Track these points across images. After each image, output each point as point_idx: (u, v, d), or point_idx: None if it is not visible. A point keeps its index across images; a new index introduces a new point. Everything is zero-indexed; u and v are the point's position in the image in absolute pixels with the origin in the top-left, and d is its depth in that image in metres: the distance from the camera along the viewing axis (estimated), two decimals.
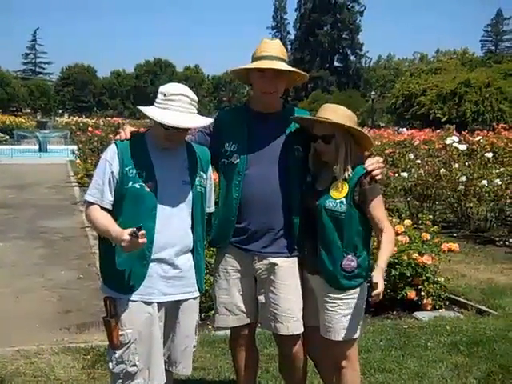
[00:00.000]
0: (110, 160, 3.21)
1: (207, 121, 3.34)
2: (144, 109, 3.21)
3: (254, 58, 3.55)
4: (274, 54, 3.52)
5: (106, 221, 3.13)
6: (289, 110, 3.74)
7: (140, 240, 2.91)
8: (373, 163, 3.48)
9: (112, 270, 3.16)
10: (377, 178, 3.46)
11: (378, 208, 3.47)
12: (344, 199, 3.42)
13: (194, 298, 3.39)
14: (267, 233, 3.57)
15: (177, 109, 3.14)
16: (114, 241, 3.05)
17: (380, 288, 3.23)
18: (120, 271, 3.15)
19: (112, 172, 3.18)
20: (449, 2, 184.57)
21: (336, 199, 3.43)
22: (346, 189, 3.43)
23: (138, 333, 3.17)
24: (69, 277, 7.87)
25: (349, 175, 3.43)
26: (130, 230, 2.91)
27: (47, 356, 5.11)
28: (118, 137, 3.34)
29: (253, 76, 3.60)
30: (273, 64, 3.46)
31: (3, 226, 11.17)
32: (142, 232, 2.91)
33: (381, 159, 3.60)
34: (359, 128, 3.54)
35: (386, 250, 3.45)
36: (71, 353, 5.17)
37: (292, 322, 3.57)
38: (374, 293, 3.21)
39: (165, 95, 3.18)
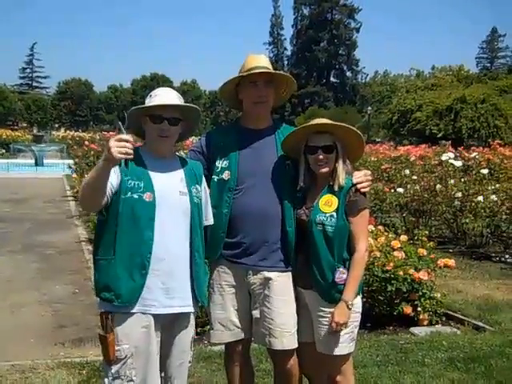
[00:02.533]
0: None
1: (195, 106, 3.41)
2: (132, 108, 3.31)
3: (244, 72, 3.62)
4: (262, 64, 3.62)
5: (96, 166, 3.02)
6: (278, 125, 3.80)
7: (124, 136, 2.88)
8: (360, 176, 3.52)
9: (109, 283, 3.13)
10: (363, 190, 3.48)
11: (357, 224, 3.49)
12: (334, 213, 3.45)
13: (192, 313, 3.38)
14: (261, 247, 3.58)
15: (162, 96, 3.29)
16: (107, 160, 2.89)
17: (336, 319, 3.40)
18: (117, 283, 3.13)
19: (115, 173, 3.13)
20: (445, 19, 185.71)
21: (326, 213, 3.46)
22: (335, 202, 3.46)
23: (134, 347, 3.15)
24: (64, 291, 7.84)
25: (343, 185, 3.46)
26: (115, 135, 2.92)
27: (42, 371, 5.08)
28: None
29: (244, 88, 3.65)
30: (264, 69, 3.56)
31: None
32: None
33: (369, 172, 3.65)
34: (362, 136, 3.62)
35: (350, 281, 3.46)
36: (66, 368, 5.14)
37: (286, 337, 3.57)
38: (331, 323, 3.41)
39: (150, 96, 3.33)
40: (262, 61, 3.66)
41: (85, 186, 3.10)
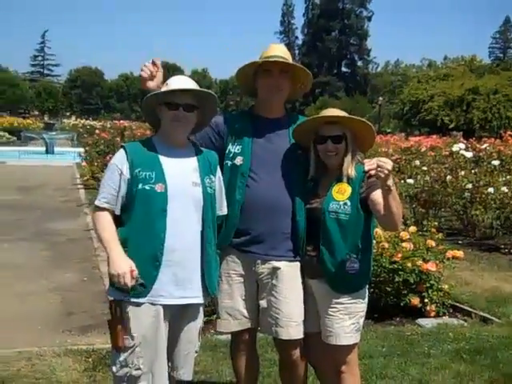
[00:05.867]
0: (119, 165, 3.24)
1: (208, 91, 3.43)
2: (148, 95, 3.34)
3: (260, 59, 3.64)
4: (280, 54, 3.61)
5: (112, 236, 3.17)
6: (292, 117, 3.80)
7: (130, 283, 3.04)
8: (372, 163, 3.49)
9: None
10: (379, 173, 3.45)
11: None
12: (348, 201, 3.44)
13: (201, 304, 3.39)
14: (270, 236, 3.57)
15: (177, 83, 3.30)
16: (109, 257, 3.10)
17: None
18: None
19: (123, 177, 3.20)
20: (457, 9, 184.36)
21: (339, 201, 3.45)
22: (348, 190, 3.45)
23: (143, 336, 3.17)
24: (73, 279, 7.88)
25: (355, 175, 3.45)
26: (135, 274, 3.05)
27: (49, 358, 5.10)
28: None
29: (259, 77, 3.65)
30: (280, 59, 3.56)
31: (9, 228, 11.17)
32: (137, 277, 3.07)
33: (382, 158, 3.59)
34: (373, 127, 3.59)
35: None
36: (73, 355, 5.17)
37: (293, 327, 3.57)
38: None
39: (166, 84, 3.34)
40: (280, 50, 3.66)
41: (96, 230, 3.29)
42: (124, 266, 3.04)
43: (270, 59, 3.56)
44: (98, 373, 4.81)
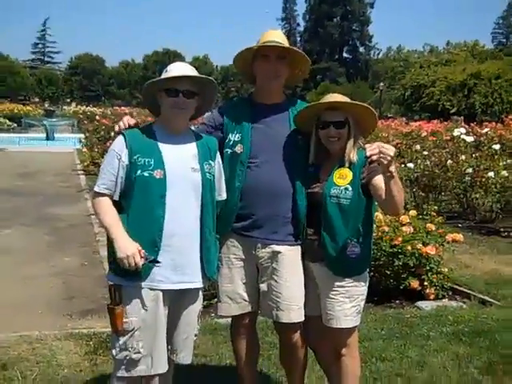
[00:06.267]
0: (119, 151, 3.25)
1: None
2: (147, 82, 3.36)
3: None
4: (277, 39, 3.60)
5: (114, 220, 3.18)
6: (291, 101, 3.79)
7: (140, 262, 3.06)
8: (373, 148, 3.48)
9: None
10: (381, 159, 3.45)
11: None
12: (349, 186, 3.44)
13: (200, 288, 3.40)
14: (271, 220, 3.58)
15: (177, 70, 3.31)
16: (114, 242, 3.10)
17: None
18: None
19: (121, 163, 3.21)
20: None
21: (340, 186, 3.45)
22: (349, 175, 3.46)
23: (142, 320, 3.19)
24: (73, 264, 7.91)
25: (357, 160, 3.45)
26: (143, 253, 3.07)
27: (50, 342, 5.13)
28: (116, 128, 3.41)
29: (257, 63, 3.64)
30: (276, 43, 3.54)
31: (9, 213, 11.21)
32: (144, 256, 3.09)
33: (381, 144, 3.59)
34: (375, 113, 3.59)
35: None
36: (74, 339, 5.20)
37: (294, 311, 3.58)
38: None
39: (166, 71, 3.33)
40: (277, 36, 3.64)
41: (98, 215, 3.29)
42: (131, 248, 3.06)
43: (267, 44, 3.55)
44: (98, 356, 4.84)
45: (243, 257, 3.65)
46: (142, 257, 3.06)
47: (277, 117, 3.67)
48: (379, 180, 3.35)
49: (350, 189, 3.44)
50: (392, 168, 3.16)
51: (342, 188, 3.45)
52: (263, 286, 3.65)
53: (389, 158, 3.12)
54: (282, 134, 3.63)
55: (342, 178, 3.47)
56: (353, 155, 3.47)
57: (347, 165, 3.48)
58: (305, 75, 3.88)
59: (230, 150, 3.61)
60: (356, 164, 3.47)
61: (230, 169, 3.58)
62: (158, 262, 3.15)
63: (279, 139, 3.62)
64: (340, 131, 3.48)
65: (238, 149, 3.59)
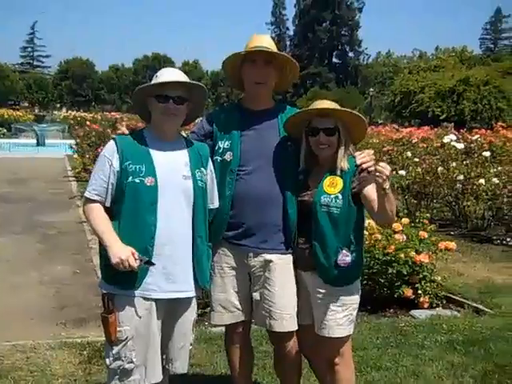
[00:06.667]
0: (110, 157, 3.23)
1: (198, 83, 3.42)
2: (137, 88, 3.34)
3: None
4: (264, 44, 3.59)
5: (106, 227, 3.17)
6: (281, 107, 3.77)
7: (136, 264, 3.04)
8: (363, 155, 3.50)
9: (113, 266, 3.10)
10: (370, 169, 3.46)
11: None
12: (340, 194, 3.43)
13: (193, 297, 3.39)
14: (262, 229, 3.57)
15: (167, 75, 3.29)
16: (107, 249, 3.09)
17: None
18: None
19: (112, 169, 3.20)
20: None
21: (331, 194, 3.44)
22: (340, 183, 3.45)
23: (135, 329, 3.17)
24: (65, 272, 7.85)
25: (348, 168, 3.45)
26: (137, 255, 3.05)
27: (43, 351, 5.10)
28: (119, 132, 3.39)
29: (244, 68, 3.62)
30: (263, 48, 3.54)
31: (0, 221, 11.12)
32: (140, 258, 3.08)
33: (371, 151, 3.60)
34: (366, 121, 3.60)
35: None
36: (68, 348, 5.17)
37: (286, 319, 3.58)
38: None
39: (156, 76, 3.32)
40: (264, 41, 3.63)
41: (90, 222, 3.28)
42: (124, 252, 3.04)
43: (254, 49, 3.55)
44: (92, 365, 4.82)
45: (235, 265, 3.65)
46: (136, 259, 3.05)
47: (266, 123, 3.66)
48: (371, 191, 3.36)
49: (341, 197, 3.43)
50: (386, 185, 3.17)
51: (332, 196, 3.44)
52: (256, 295, 3.64)
53: (384, 177, 3.13)
54: (271, 141, 3.62)
55: (333, 186, 3.46)
56: (343, 163, 3.46)
57: (338, 172, 3.47)
58: (295, 79, 3.87)
59: (219, 158, 3.60)
60: (346, 172, 3.46)
61: (220, 177, 3.57)
62: (152, 263, 3.13)
63: (269, 146, 3.60)
64: (330, 138, 3.47)
65: (228, 156, 3.58)
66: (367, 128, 3.67)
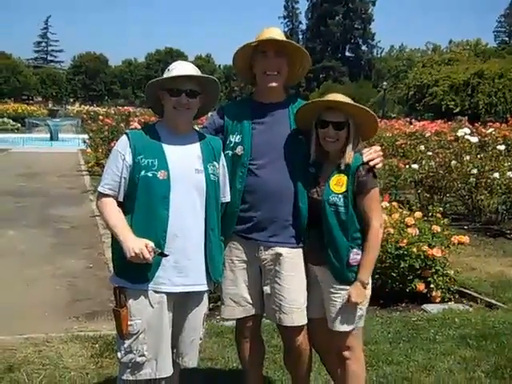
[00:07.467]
0: (122, 151, 3.24)
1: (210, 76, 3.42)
2: (150, 82, 3.34)
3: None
4: (274, 36, 3.56)
5: (119, 221, 3.18)
6: (292, 100, 3.75)
7: (150, 257, 3.04)
8: (370, 152, 3.47)
9: (125, 260, 3.11)
10: (378, 166, 3.44)
11: (368, 203, 3.45)
12: (346, 193, 3.43)
13: (205, 291, 3.39)
14: (273, 222, 3.56)
15: (179, 69, 3.29)
16: (121, 243, 3.09)
17: (354, 300, 3.44)
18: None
19: (125, 163, 3.20)
20: None
21: (338, 193, 3.44)
22: (345, 181, 3.44)
23: (147, 323, 3.18)
24: (78, 266, 7.89)
25: (351, 164, 3.43)
26: (150, 247, 3.04)
27: (56, 344, 5.13)
28: (132, 126, 3.40)
29: (255, 61, 3.60)
30: (273, 38, 3.52)
31: (13, 215, 11.19)
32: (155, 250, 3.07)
33: (378, 148, 3.58)
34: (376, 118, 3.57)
35: (366, 262, 3.47)
36: (80, 341, 5.19)
37: (296, 313, 3.57)
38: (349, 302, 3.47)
39: (168, 70, 3.33)
40: (274, 33, 3.60)
41: (103, 217, 3.28)
42: (138, 245, 3.04)
43: (263, 38, 3.52)
44: (104, 359, 4.84)
45: (246, 259, 3.64)
46: (149, 251, 3.05)
47: (277, 116, 3.64)
48: (366, 207, 3.44)
49: (346, 196, 3.43)
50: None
51: (340, 196, 3.43)
52: (267, 289, 3.64)
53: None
54: (282, 135, 3.60)
55: (339, 185, 3.45)
56: (349, 158, 3.44)
57: (343, 167, 3.45)
58: (306, 71, 3.81)
59: (230, 152, 3.59)
60: (350, 168, 3.44)
61: (231, 171, 3.57)
62: (166, 255, 3.14)
63: (280, 140, 3.59)
64: (339, 132, 3.44)
65: (239, 150, 3.57)
66: (378, 125, 3.64)
